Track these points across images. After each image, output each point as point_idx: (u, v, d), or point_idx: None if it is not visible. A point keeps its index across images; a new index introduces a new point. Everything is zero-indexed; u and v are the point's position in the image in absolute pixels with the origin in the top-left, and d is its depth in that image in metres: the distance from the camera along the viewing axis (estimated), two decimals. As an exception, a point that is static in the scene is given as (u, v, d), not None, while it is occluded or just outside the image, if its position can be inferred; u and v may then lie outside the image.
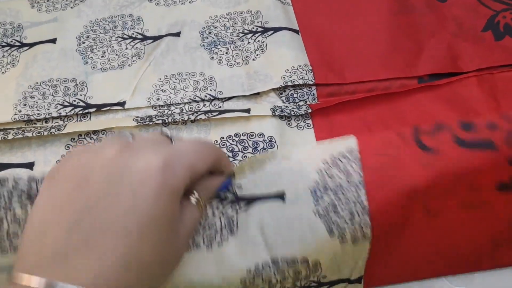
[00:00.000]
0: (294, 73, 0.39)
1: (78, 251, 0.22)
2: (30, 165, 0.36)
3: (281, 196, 0.32)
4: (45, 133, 0.36)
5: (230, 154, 0.36)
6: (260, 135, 0.37)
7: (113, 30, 0.42)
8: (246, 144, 0.37)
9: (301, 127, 0.37)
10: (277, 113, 0.37)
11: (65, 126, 0.37)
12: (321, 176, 0.32)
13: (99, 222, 0.22)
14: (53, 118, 0.38)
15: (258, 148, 0.36)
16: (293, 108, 0.38)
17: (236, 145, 0.37)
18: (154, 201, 0.23)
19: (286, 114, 0.37)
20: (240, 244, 0.31)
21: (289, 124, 0.38)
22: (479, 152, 0.32)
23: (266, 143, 0.36)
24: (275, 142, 0.36)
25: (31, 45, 0.42)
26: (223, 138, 0.37)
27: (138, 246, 0.23)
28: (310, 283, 0.32)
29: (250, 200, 0.32)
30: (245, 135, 0.37)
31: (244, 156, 0.36)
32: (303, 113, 0.37)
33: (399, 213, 0.31)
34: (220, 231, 0.31)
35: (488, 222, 0.33)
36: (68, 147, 0.37)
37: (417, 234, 0.33)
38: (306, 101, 0.39)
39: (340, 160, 0.32)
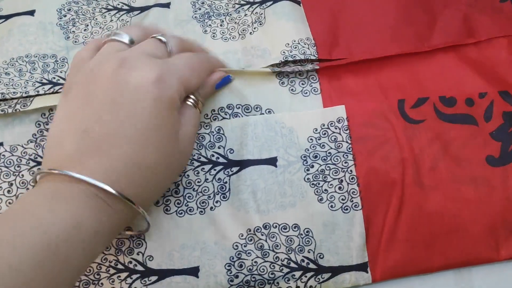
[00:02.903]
0: (295, 48, 0.35)
1: (91, 153, 0.25)
2: None
3: (273, 162, 0.32)
4: (9, 110, 0.33)
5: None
6: (256, 107, 0.34)
7: (96, 0, 0.39)
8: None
9: (306, 93, 0.35)
10: (276, 70, 0.34)
11: (32, 101, 0.34)
12: (311, 144, 0.33)
13: (106, 129, 0.26)
14: (30, 97, 0.35)
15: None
16: (297, 66, 0.35)
17: (230, 118, 0.34)
18: (151, 110, 0.26)
19: (289, 71, 0.34)
20: (232, 209, 0.32)
21: (292, 90, 0.35)
22: (462, 126, 0.34)
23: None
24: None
25: (7, 17, 0.38)
26: (214, 110, 0.34)
27: (142, 149, 0.26)
28: (307, 262, 0.31)
29: (242, 165, 0.32)
30: (239, 107, 0.34)
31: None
32: (310, 69, 0.35)
33: (389, 184, 0.32)
34: (213, 196, 0.32)
35: (494, 201, 0.32)
36: (38, 124, 0.34)
37: (415, 211, 0.32)
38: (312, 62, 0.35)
39: (330, 129, 0.33)
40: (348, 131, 0.33)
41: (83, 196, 0.25)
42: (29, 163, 0.33)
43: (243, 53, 0.36)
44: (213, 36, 0.37)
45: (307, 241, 0.31)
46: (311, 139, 0.33)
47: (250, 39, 0.37)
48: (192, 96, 0.31)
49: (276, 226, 0.32)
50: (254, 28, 0.37)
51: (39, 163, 0.33)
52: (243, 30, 0.37)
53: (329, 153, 0.33)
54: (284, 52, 0.35)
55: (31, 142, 0.33)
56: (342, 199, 0.32)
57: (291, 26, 0.36)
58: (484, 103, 0.34)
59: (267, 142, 0.33)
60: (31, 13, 0.38)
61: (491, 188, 0.33)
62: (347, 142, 0.32)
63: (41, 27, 0.37)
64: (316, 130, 0.33)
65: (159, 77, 0.27)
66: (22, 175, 0.33)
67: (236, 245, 0.31)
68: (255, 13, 0.38)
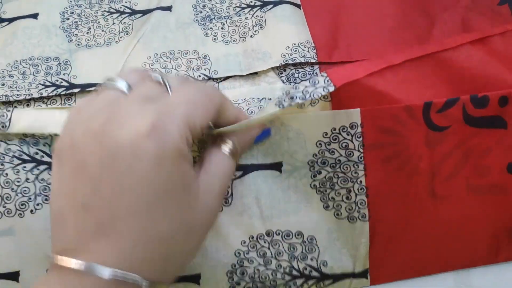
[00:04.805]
0: (295, 51, 0.36)
1: (95, 234, 0.22)
2: None
3: (278, 167, 0.31)
4: None
5: None
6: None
7: (99, 4, 0.39)
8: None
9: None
10: (285, 105, 0.27)
11: (10, 122, 0.31)
12: (320, 149, 0.30)
13: (106, 202, 0.22)
14: (35, 100, 0.35)
15: None
16: (307, 88, 0.28)
17: None
18: (152, 170, 0.22)
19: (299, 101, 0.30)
20: (235, 214, 0.31)
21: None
22: (489, 131, 0.30)
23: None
24: None
25: (10, 20, 0.38)
26: None
27: (150, 221, 0.22)
28: (310, 270, 0.31)
29: (246, 169, 0.31)
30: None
31: None
32: (323, 93, 0.28)
33: (401, 195, 0.30)
34: None
35: (503, 209, 0.31)
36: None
37: (423, 220, 0.31)
38: (325, 79, 0.28)
39: (341, 134, 0.30)
40: (361, 139, 0.30)
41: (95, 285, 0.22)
42: (13, 160, 0.31)
43: (243, 56, 0.37)
44: (214, 39, 0.37)
45: (311, 248, 0.31)
46: (320, 143, 0.31)
47: (251, 42, 0.37)
48: (230, 142, 0.27)
49: (279, 234, 0.31)
50: (255, 31, 0.37)
51: (24, 161, 0.31)
52: (244, 33, 0.37)
53: (339, 160, 0.30)
54: (284, 55, 0.36)
55: (15, 138, 0.32)
56: (349, 209, 0.31)
57: (291, 29, 0.37)
58: None
59: (271, 147, 0.31)
60: (35, 16, 0.39)
61: (506, 195, 0.31)
62: (359, 151, 0.30)
63: (44, 30, 0.38)
64: (326, 135, 0.30)
65: (154, 125, 0.22)
66: (6, 174, 0.31)
67: (238, 253, 0.31)
68: (256, 16, 0.38)
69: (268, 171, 0.31)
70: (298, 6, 0.38)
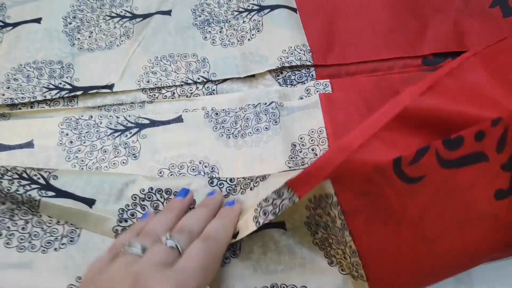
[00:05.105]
0: (292, 54, 0.37)
1: None
2: None
3: (282, 225, 0.32)
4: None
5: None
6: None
7: (100, 8, 0.40)
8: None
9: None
10: (260, 221, 0.29)
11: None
12: (310, 213, 0.31)
13: None
14: (38, 102, 0.36)
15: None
16: (275, 201, 0.29)
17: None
18: None
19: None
20: (242, 266, 0.31)
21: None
22: (469, 168, 0.28)
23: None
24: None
25: (14, 25, 0.40)
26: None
27: None
28: None
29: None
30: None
31: None
32: (290, 204, 0.28)
33: (393, 249, 0.29)
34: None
35: (497, 233, 0.30)
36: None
37: (421, 265, 0.30)
38: (288, 189, 0.28)
39: (322, 203, 0.29)
40: (339, 207, 0.28)
41: None
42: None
43: (241, 58, 0.38)
44: (213, 42, 0.39)
45: None
46: (308, 208, 0.31)
47: (249, 45, 0.38)
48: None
49: None
50: (252, 35, 0.38)
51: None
52: (242, 37, 0.39)
53: (327, 224, 0.30)
54: (281, 58, 0.37)
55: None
56: (349, 268, 0.30)
57: (287, 33, 0.38)
58: (497, 131, 0.28)
59: None
60: (38, 20, 0.40)
61: (497, 221, 0.30)
62: (340, 218, 0.28)
63: (47, 34, 0.39)
64: (311, 201, 0.31)
65: None
66: (40, 215, 0.33)
67: None
68: (253, 20, 0.39)
69: (274, 229, 0.32)
70: (294, 10, 0.39)
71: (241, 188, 0.33)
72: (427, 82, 0.29)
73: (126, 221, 0.32)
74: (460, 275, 0.32)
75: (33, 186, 0.32)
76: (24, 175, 0.32)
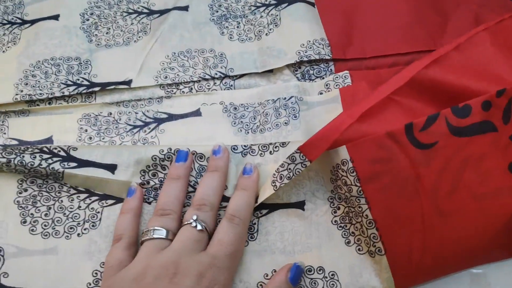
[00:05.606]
0: (310, 48, 0.36)
1: None
2: None
3: (301, 205, 0.32)
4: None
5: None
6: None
7: (117, 4, 0.40)
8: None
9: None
10: (277, 185, 0.31)
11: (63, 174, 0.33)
12: (334, 185, 0.32)
13: None
14: (56, 98, 0.36)
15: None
16: (289, 166, 0.31)
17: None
18: None
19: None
20: (259, 249, 0.32)
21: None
22: (479, 137, 0.30)
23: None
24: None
25: (33, 22, 0.40)
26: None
27: None
28: None
29: (271, 208, 0.33)
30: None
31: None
32: (303, 169, 0.31)
33: (409, 221, 0.29)
34: None
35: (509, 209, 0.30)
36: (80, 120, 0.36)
37: (437, 240, 0.30)
38: (299, 155, 0.30)
39: (339, 172, 0.31)
40: (355, 173, 0.29)
41: None
42: (70, 190, 0.33)
43: (259, 53, 0.37)
44: (230, 37, 0.38)
45: (332, 284, 0.31)
46: (332, 180, 0.32)
47: (266, 40, 0.38)
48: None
49: None
50: (270, 29, 0.38)
51: (79, 191, 0.33)
52: (259, 31, 0.38)
53: (346, 195, 0.31)
54: (299, 52, 0.36)
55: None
56: (367, 243, 0.31)
57: (305, 27, 0.37)
58: (502, 102, 0.30)
59: (295, 186, 0.33)
60: (56, 17, 0.40)
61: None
62: (356, 185, 0.29)
63: (65, 30, 0.39)
64: (332, 172, 0.32)
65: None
66: (61, 201, 0.33)
67: (261, 285, 0.31)
68: (271, 14, 0.39)
69: (291, 209, 0.32)
70: (312, 4, 0.39)
71: (259, 149, 0.34)
72: (433, 55, 0.32)
73: (148, 183, 0.33)
74: (476, 276, 0.32)
75: (55, 159, 0.32)
76: (45, 149, 0.32)
